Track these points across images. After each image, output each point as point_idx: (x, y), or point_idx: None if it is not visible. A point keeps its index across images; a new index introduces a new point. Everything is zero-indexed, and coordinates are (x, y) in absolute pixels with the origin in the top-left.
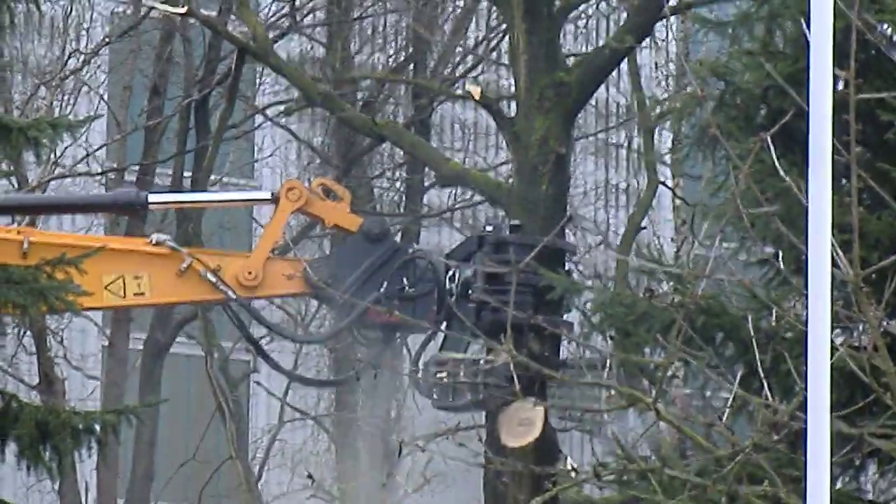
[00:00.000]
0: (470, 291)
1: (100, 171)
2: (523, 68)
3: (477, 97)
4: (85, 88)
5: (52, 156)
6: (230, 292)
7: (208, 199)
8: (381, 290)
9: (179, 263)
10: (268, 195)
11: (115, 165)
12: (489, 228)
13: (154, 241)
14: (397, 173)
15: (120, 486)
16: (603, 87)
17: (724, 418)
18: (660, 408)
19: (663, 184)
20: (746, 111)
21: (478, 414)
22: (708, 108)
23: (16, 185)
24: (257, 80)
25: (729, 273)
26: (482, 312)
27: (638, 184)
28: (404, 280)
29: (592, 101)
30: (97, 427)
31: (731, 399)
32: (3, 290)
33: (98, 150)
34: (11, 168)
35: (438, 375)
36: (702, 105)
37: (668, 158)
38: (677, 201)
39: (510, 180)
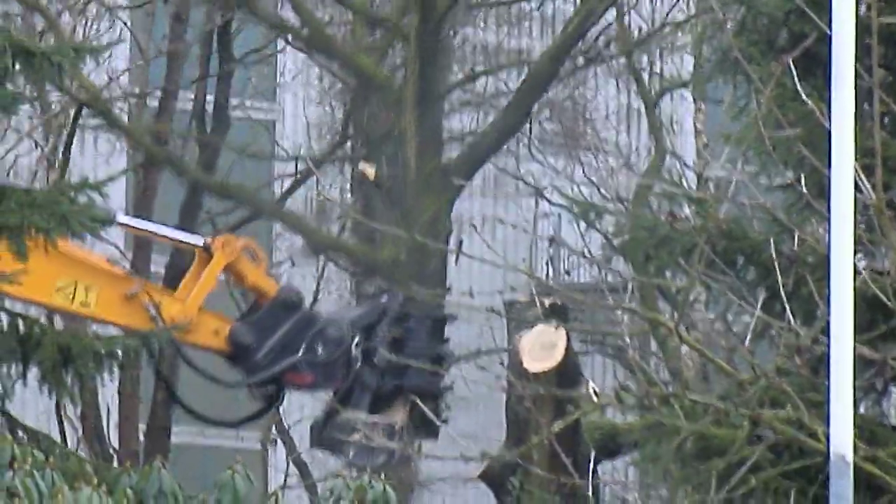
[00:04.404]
0: (374, 358)
1: (122, 95)
2: (412, 152)
3: (371, 178)
4: (107, 14)
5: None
6: (164, 330)
7: (150, 229)
8: (299, 355)
9: (128, 288)
10: (200, 242)
11: (137, 91)
12: (384, 299)
13: (113, 262)
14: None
15: (141, 411)
16: (624, 10)
17: (747, 342)
18: (682, 331)
19: (674, 154)
20: (768, 35)
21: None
22: (729, 31)
23: (39, 111)
24: (279, 3)
25: (751, 197)
26: (384, 378)
27: (660, 108)
28: (317, 346)
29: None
30: (119, 352)
31: (752, 323)
32: (26, 213)
33: (121, 75)
34: (35, 94)
35: (355, 437)
36: (723, 29)
37: (689, 81)
38: (699, 125)
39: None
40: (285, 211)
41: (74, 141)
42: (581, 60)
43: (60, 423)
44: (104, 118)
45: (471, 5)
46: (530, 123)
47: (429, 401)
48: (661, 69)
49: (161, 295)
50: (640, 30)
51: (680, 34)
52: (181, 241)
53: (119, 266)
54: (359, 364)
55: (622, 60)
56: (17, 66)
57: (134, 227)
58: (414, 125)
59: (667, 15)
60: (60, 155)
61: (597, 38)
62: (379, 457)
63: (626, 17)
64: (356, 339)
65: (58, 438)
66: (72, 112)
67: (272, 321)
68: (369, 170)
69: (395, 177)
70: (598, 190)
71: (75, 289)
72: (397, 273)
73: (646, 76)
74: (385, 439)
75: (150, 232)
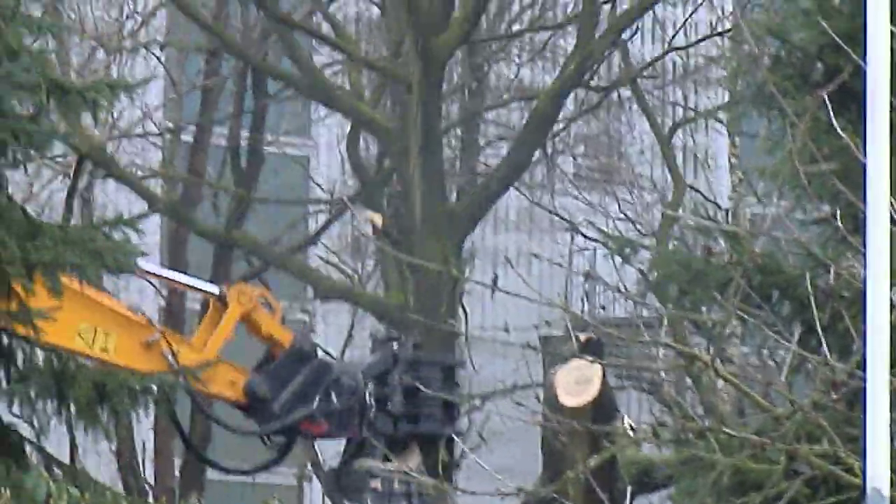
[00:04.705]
0: (388, 405)
1: (157, 131)
2: (418, 200)
3: (379, 226)
4: (142, 50)
5: (110, 117)
6: (183, 378)
7: (169, 276)
8: (314, 405)
9: (148, 336)
10: (216, 290)
11: (171, 126)
12: (395, 346)
13: (134, 309)
14: (452, 131)
15: (176, 446)
16: (660, 44)
17: (783, 377)
18: (718, 366)
19: (691, 187)
20: (802, 69)
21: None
22: (764, 66)
23: (74, 147)
24: (313, 41)
25: (786, 231)
26: (398, 424)
27: (694, 141)
28: (332, 395)
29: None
30: (154, 388)
31: (788, 357)
32: (60, 249)
33: (155, 110)
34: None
35: (372, 484)
36: (758, 63)
37: (723, 116)
38: (734, 160)
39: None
40: (293, 260)
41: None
42: (591, 97)
43: (123, 469)
44: (107, 170)
45: (474, 42)
46: (549, 157)
47: (443, 445)
48: (687, 100)
49: (179, 343)
50: (673, 64)
51: (713, 68)
52: (197, 289)
53: (140, 313)
54: (373, 411)
55: (656, 93)
56: (52, 103)
57: (153, 274)
58: (419, 171)
59: (670, 42)
60: (64, 205)
61: (594, 71)
62: (399, 503)
63: (629, 47)
64: (370, 387)
65: (97, 475)
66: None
67: (287, 372)
68: (376, 218)
69: (402, 222)
70: (634, 225)
71: (95, 334)
72: (407, 319)
73: (673, 109)
74: (402, 485)
75: (168, 279)
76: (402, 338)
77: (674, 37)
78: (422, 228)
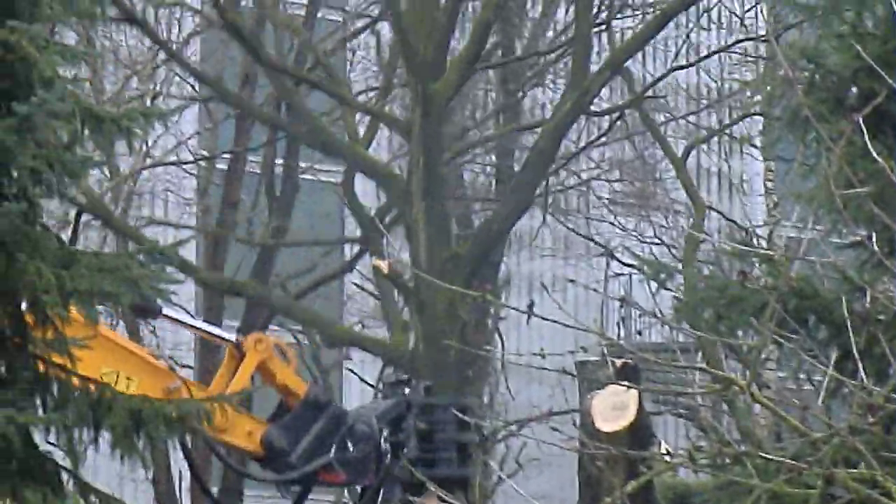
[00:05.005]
0: (403, 451)
1: (191, 159)
2: (423, 243)
3: (385, 272)
4: (176, 78)
5: (144, 145)
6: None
7: (189, 323)
8: (331, 454)
9: (169, 383)
10: (233, 338)
11: (206, 154)
12: (407, 391)
13: (157, 356)
14: (487, 158)
15: (214, 475)
16: (693, 71)
17: (819, 401)
18: (754, 391)
19: (710, 207)
20: (837, 93)
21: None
22: (798, 90)
23: (108, 175)
24: (348, 66)
25: (822, 255)
26: (414, 469)
27: (730, 167)
28: (348, 443)
29: (683, 84)
30: (189, 415)
31: (825, 382)
32: (96, 278)
33: (189, 138)
34: (104, 158)
35: None
36: (792, 88)
37: (758, 141)
38: (769, 184)
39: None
40: (300, 307)
41: (145, 204)
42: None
43: (160, 497)
44: (105, 223)
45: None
46: (545, 196)
47: (459, 489)
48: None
49: (199, 392)
50: (707, 89)
51: (748, 93)
52: (215, 337)
53: (161, 360)
54: (388, 458)
55: (691, 119)
56: (86, 131)
57: (175, 320)
58: (423, 216)
59: (672, 62)
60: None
61: (593, 96)
62: None
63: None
64: (384, 433)
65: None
66: (138, 178)
67: (303, 422)
68: (383, 265)
69: (408, 268)
70: (669, 249)
71: (118, 378)
72: (417, 362)
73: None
74: None
75: (189, 325)
76: (413, 381)
77: (676, 55)
78: (428, 272)
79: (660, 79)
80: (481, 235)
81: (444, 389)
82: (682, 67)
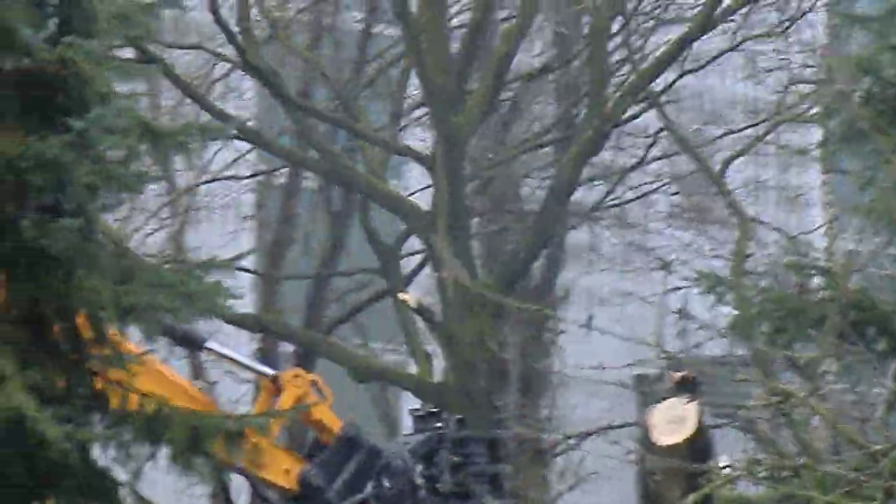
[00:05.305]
0: (437, 484)
1: (248, 174)
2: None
3: (413, 306)
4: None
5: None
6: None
7: (231, 356)
8: (368, 490)
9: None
10: (270, 372)
11: (263, 169)
12: (439, 424)
13: (199, 387)
14: (544, 172)
15: None
16: (750, 84)
17: (879, 413)
18: (814, 403)
19: (754, 219)
20: (894, 105)
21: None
22: (855, 102)
23: (165, 190)
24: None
25: (880, 267)
26: (450, 502)
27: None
28: (384, 480)
29: (740, 98)
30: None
31: (885, 394)
32: (153, 294)
33: (247, 153)
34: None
35: None
36: (849, 100)
37: (816, 154)
38: (827, 197)
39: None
40: (330, 341)
41: (201, 219)
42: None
43: None
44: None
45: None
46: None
47: None
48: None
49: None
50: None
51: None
52: (254, 370)
53: (204, 392)
54: (423, 492)
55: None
56: (144, 146)
57: (217, 353)
58: (448, 249)
59: (683, 67)
60: None
61: (615, 124)
62: None
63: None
64: (418, 467)
65: None
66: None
67: (339, 459)
68: (410, 299)
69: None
70: (726, 263)
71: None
72: (446, 396)
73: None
74: None
75: (230, 359)
76: (444, 413)
77: (685, 59)
78: (455, 304)
79: (672, 84)
80: (508, 266)
81: (475, 421)
82: (691, 72)
